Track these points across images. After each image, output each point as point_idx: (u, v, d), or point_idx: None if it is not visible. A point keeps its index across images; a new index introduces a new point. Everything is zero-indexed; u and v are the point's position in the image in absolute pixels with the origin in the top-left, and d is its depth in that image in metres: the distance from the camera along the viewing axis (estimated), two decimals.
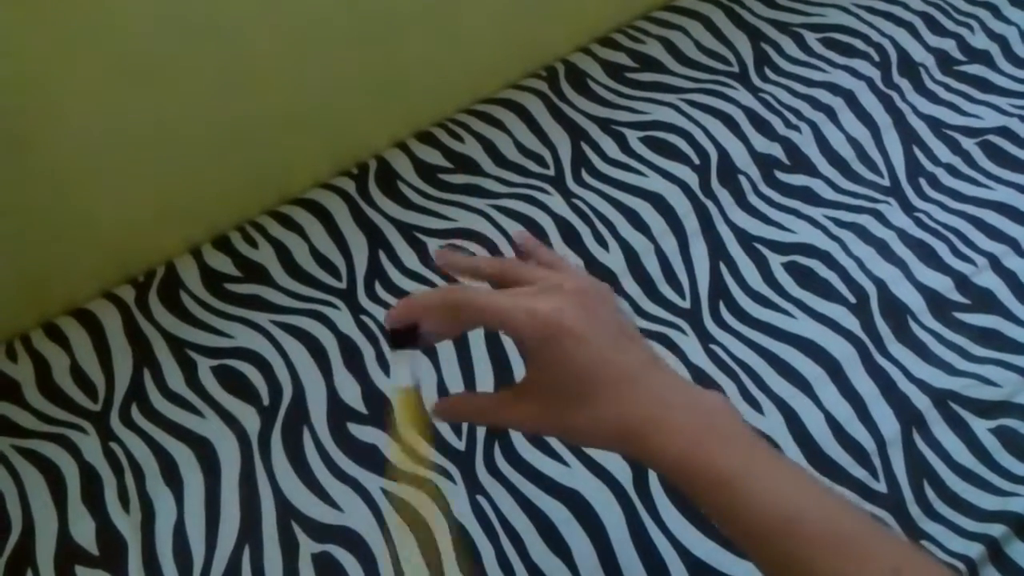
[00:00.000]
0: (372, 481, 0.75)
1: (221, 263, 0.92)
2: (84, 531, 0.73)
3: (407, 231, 0.94)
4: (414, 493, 0.73)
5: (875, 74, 1.08)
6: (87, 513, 0.74)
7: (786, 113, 1.04)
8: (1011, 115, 1.01)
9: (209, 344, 0.85)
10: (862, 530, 0.44)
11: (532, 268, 0.51)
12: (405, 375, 0.53)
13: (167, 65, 0.80)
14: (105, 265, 0.90)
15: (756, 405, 0.78)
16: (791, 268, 0.88)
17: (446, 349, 0.83)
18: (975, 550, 0.68)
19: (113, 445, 0.78)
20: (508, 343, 0.83)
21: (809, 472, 0.46)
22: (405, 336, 0.52)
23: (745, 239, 0.91)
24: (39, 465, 0.77)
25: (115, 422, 0.79)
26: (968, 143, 0.99)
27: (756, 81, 1.08)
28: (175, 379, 0.82)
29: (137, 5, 0.75)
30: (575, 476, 0.74)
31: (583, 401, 0.47)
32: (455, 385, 0.81)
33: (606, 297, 0.50)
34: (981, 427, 0.75)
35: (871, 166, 0.98)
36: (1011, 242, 0.88)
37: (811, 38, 1.13)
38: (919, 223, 0.91)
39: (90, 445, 0.78)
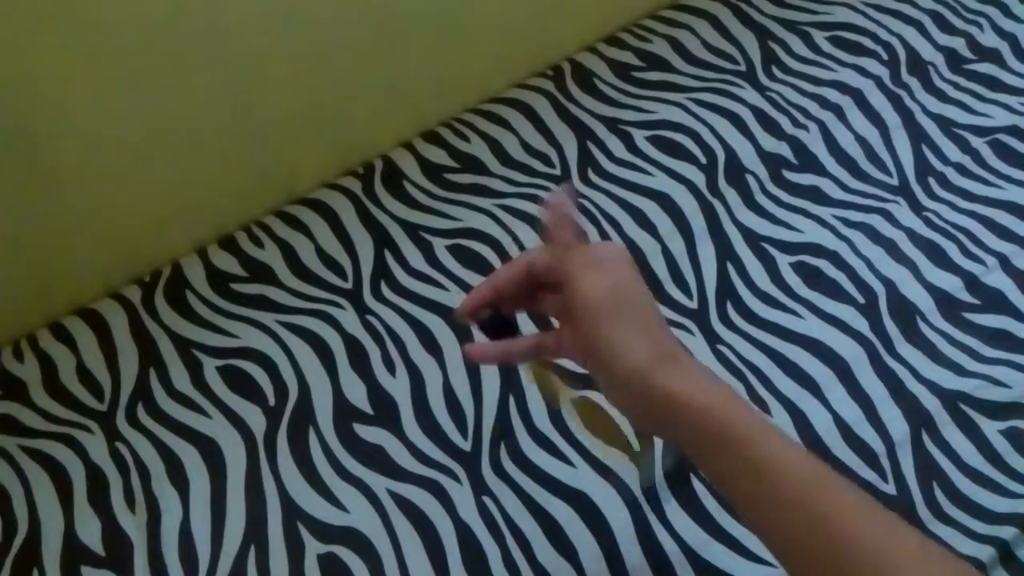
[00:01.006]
0: (378, 482, 0.74)
1: (227, 263, 0.92)
2: (90, 531, 0.73)
3: (413, 231, 0.94)
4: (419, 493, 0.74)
5: (884, 73, 1.07)
6: (93, 513, 0.74)
7: (794, 112, 1.03)
8: (1021, 114, 1.00)
9: (215, 344, 0.85)
10: (880, 507, 0.44)
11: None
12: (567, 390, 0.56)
13: (173, 65, 0.80)
14: (111, 265, 0.90)
15: (764, 406, 0.78)
16: (799, 268, 0.88)
17: (453, 354, 0.83)
18: (985, 553, 0.67)
19: (119, 445, 0.78)
20: None
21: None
22: (498, 325, 0.55)
23: (752, 239, 0.91)
24: (45, 465, 0.77)
25: (121, 422, 0.79)
26: (977, 142, 0.98)
27: (764, 80, 1.08)
28: (181, 379, 0.82)
29: (144, 5, 0.75)
30: (581, 477, 0.74)
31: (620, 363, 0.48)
32: (461, 388, 0.80)
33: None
34: (991, 428, 0.74)
35: (880, 165, 0.97)
36: (1021, 242, 0.88)
37: (819, 36, 1.13)
38: (928, 223, 0.91)
39: (96, 445, 0.78)
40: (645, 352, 0.47)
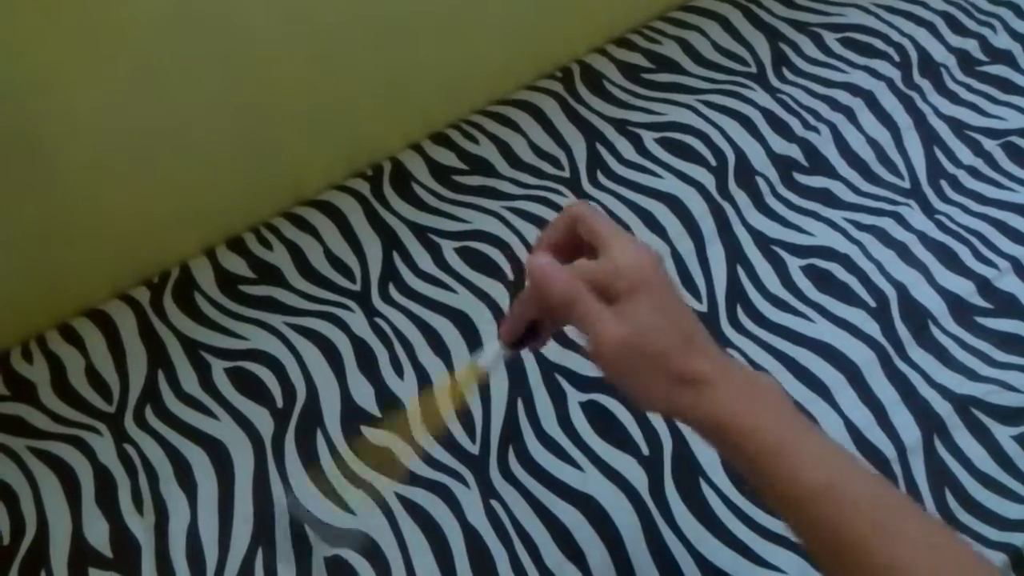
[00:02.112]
0: (385, 485, 0.74)
1: (235, 264, 0.92)
2: (98, 533, 0.73)
3: (421, 233, 0.94)
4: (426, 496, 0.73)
5: (895, 74, 1.06)
6: (101, 515, 0.74)
7: (804, 114, 1.03)
8: None
9: (223, 346, 0.85)
10: (897, 504, 0.45)
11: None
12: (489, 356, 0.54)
13: (181, 66, 0.80)
14: (120, 266, 0.90)
15: None
16: (809, 271, 0.87)
17: (461, 356, 0.83)
18: (998, 559, 0.66)
19: (127, 447, 0.78)
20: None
21: (849, 451, 0.48)
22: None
23: (763, 241, 0.90)
24: (53, 466, 0.77)
25: (129, 424, 0.79)
26: (990, 144, 0.98)
27: (774, 81, 1.07)
28: (189, 381, 0.82)
29: (152, 6, 0.75)
30: (590, 481, 0.73)
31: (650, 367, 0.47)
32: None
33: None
34: (1004, 434, 0.74)
35: (891, 168, 0.97)
36: None
37: (830, 38, 1.12)
38: (940, 226, 0.90)
39: (104, 447, 0.78)
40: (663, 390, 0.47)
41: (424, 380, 0.81)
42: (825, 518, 0.44)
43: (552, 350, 0.81)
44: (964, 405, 0.76)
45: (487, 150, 1.02)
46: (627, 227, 0.92)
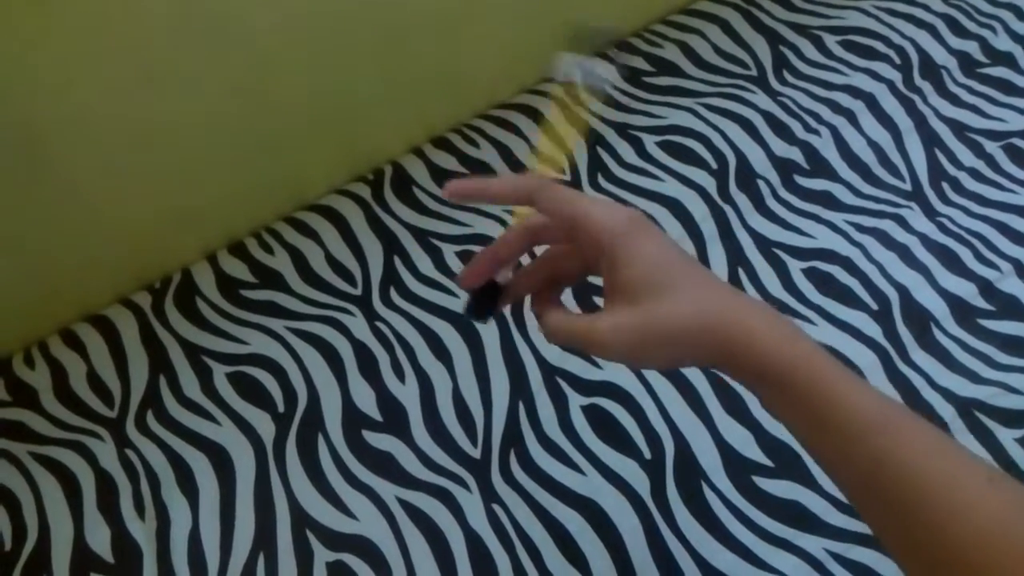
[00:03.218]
0: (387, 489, 0.74)
1: (237, 269, 0.92)
2: (99, 538, 0.73)
3: (423, 237, 0.94)
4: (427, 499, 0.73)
5: (896, 77, 1.06)
6: (103, 520, 0.74)
7: (805, 116, 1.03)
8: None
9: (225, 351, 0.85)
10: (951, 440, 0.42)
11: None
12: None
13: (181, 70, 0.80)
14: (121, 271, 0.90)
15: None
16: (811, 274, 0.87)
17: (463, 360, 0.83)
18: None
19: (129, 452, 0.78)
20: (524, 352, 0.82)
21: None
22: (484, 300, 0.53)
23: (764, 244, 0.90)
24: (55, 472, 0.77)
25: (131, 429, 0.79)
26: (992, 146, 0.97)
27: (775, 84, 1.07)
28: (191, 386, 0.82)
29: (155, 9, 0.75)
30: (591, 485, 0.73)
31: (663, 289, 0.45)
32: (471, 394, 0.80)
33: None
34: (1007, 436, 0.73)
35: (892, 170, 0.97)
36: None
37: (830, 41, 1.12)
38: (942, 228, 0.90)
39: (106, 452, 0.78)
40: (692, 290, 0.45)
41: (425, 384, 0.81)
42: (883, 451, 0.40)
43: (553, 353, 0.81)
44: (967, 408, 0.75)
45: (488, 154, 1.02)
46: None
